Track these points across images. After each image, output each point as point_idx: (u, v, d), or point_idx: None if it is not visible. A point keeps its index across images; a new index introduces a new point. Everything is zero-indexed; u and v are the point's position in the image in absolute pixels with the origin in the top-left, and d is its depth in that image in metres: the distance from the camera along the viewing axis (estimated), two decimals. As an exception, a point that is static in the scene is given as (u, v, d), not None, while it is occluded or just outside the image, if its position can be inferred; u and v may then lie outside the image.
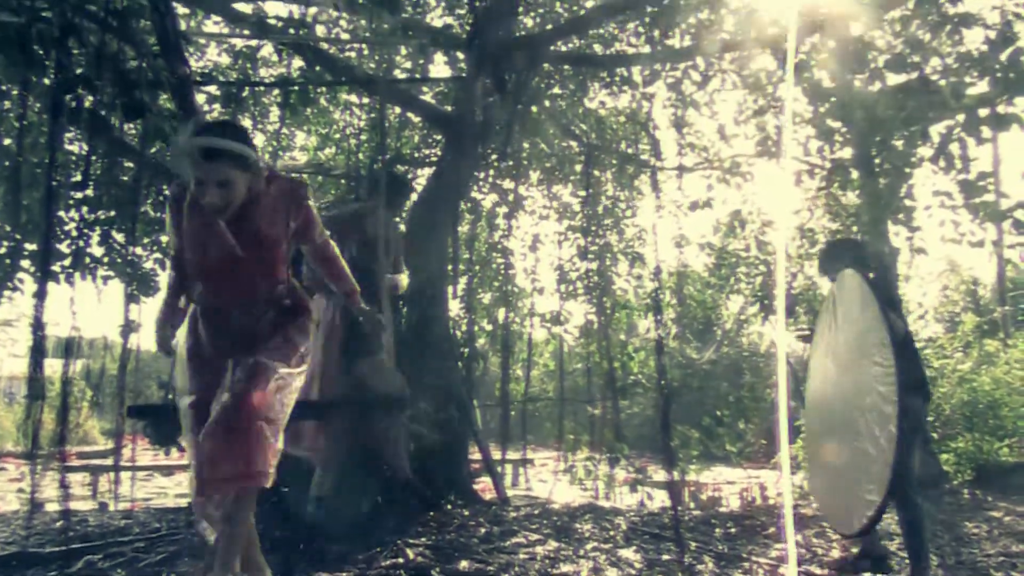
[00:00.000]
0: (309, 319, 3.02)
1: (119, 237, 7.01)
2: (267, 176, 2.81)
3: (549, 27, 7.60)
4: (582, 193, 9.29)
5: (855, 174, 7.81)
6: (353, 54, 8.07)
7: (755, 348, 15.51)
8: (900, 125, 6.44)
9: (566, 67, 8.03)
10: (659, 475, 8.72)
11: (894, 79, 6.57)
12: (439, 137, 8.09)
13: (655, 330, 9.59)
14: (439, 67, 9.02)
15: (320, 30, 7.25)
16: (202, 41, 7.63)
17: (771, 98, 8.08)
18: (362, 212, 5.10)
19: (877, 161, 7.29)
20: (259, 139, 9.36)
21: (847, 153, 7.70)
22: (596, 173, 9.47)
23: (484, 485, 6.34)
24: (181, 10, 6.92)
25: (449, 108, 7.45)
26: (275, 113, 9.03)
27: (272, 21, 6.06)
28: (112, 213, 6.73)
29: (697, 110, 8.62)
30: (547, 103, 8.50)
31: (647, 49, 7.87)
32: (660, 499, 7.53)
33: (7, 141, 6.56)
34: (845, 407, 4.02)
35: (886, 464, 3.41)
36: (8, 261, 7.06)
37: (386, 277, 4.86)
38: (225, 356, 2.79)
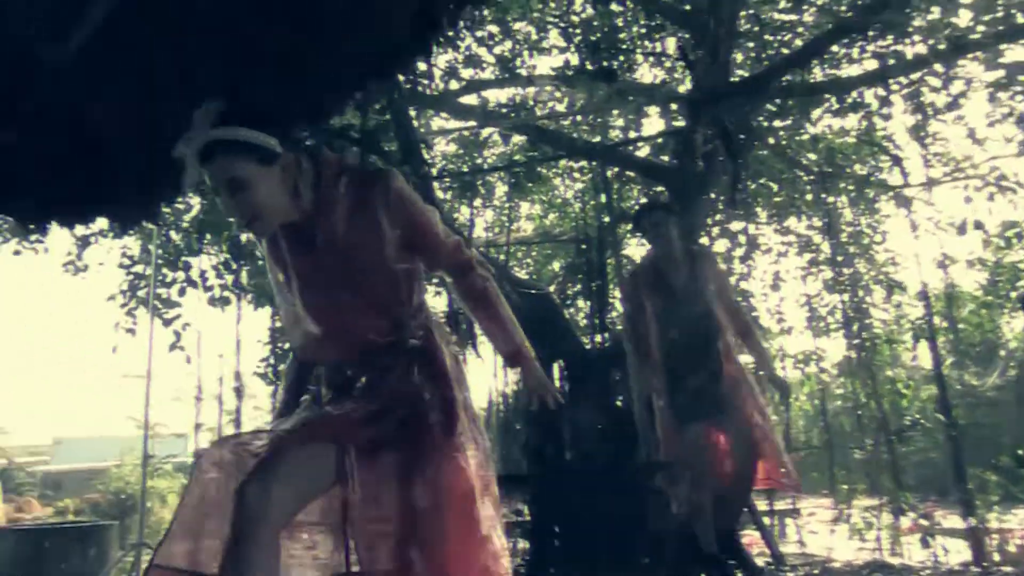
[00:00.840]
0: (451, 377, 2.10)
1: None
2: (334, 172, 2.02)
3: (765, 61, 7.36)
4: (818, 223, 8.80)
5: None
6: (569, 121, 8.38)
7: (1050, 368, 13.53)
8: None
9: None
10: (949, 521, 7.77)
11: None
12: (660, 189, 8.10)
13: (931, 360, 8.67)
14: (652, 119, 9.11)
15: (539, 108, 7.63)
16: (435, 138, 8.33)
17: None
18: (660, 257, 4.05)
19: None
20: (488, 215, 9.99)
21: None
22: (831, 200, 8.93)
23: (751, 539, 6.04)
24: (413, 111, 7.64)
25: (666, 159, 7.45)
26: (501, 188, 9.59)
27: (494, 107, 6.51)
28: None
29: (940, 118, 7.86)
30: (771, 139, 8.21)
31: (874, 63, 7.36)
32: (956, 550, 6.70)
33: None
34: None
35: None
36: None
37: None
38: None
